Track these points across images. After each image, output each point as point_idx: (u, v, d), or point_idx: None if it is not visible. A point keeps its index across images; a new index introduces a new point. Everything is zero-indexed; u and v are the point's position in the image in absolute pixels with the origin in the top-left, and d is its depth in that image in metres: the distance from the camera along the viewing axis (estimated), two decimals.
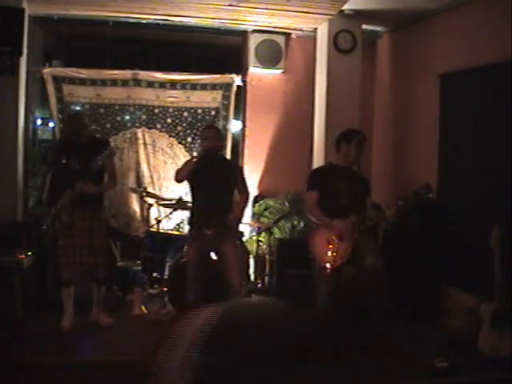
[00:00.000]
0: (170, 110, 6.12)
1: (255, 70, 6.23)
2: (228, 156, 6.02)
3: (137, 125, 6.06)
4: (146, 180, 6.04)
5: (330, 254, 4.01)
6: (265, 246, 5.71)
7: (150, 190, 5.79)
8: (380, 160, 6.04)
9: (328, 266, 4.06)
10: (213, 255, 4.65)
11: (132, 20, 5.90)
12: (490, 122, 4.57)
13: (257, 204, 6.09)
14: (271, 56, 6.18)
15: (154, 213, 5.67)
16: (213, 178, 4.30)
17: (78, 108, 5.95)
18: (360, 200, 4.19)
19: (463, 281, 4.73)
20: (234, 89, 6.22)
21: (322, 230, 4.10)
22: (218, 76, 6.20)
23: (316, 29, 6.15)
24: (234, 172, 4.50)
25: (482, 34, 4.69)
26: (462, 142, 4.93)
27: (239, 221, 4.56)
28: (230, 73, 6.25)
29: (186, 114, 6.15)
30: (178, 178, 4.46)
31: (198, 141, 6.13)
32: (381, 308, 4.07)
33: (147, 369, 1.08)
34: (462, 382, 3.62)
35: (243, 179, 4.54)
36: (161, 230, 5.41)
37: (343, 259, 4.01)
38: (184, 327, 1.10)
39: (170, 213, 5.55)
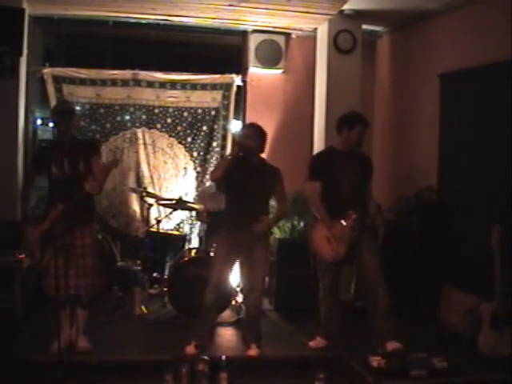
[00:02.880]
0: (170, 109, 6.12)
1: (255, 70, 6.24)
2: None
3: (137, 125, 6.06)
4: (146, 180, 6.04)
5: (329, 250, 4.03)
6: None
7: (150, 190, 5.79)
8: (380, 160, 6.04)
9: (328, 261, 4.09)
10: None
11: (132, 20, 5.90)
12: (490, 121, 4.57)
13: None
14: (271, 56, 6.19)
15: (154, 213, 5.67)
16: (247, 181, 4.01)
17: (78, 108, 5.93)
18: (362, 189, 4.16)
19: (463, 281, 4.73)
20: (234, 89, 6.23)
21: (323, 226, 4.10)
22: (218, 76, 6.21)
23: (316, 29, 6.16)
24: (272, 178, 4.14)
25: (482, 33, 4.69)
26: (461, 141, 4.93)
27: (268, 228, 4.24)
28: (230, 73, 6.25)
29: (185, 114, 6.15)
30: (213, 176, 4.18)
31: (198, 141, 6.17)
32: None
33: None
34: (461, 381, 3.63)
35: (282, 188, 4.18)
36: (161, 230, 5.41)
37: (342, 255, 4.02)
38: None
39: (170, 213, 5.55)
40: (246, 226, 4.00)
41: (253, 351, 4.04)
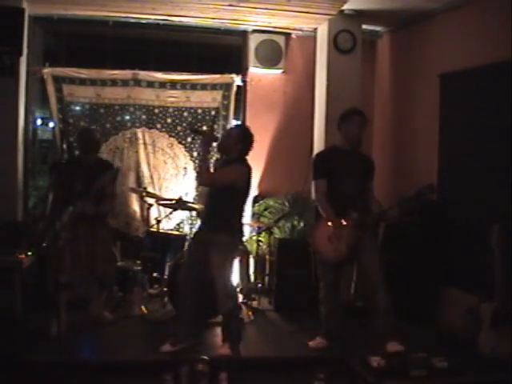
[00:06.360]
0: (170, 109, 6.13)
1: (255, 70, 6.24)
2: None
3: (137, 125, 6.06)
4: (146, 180, 6.05)
5: (331, 249, 4.02)
6: (265, 246, 5.71)
7: (150, 190, 5.79)
8: (380, 159, 6.03)
9: (329, 261, 4.09)
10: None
11: (132, 20, 5.90)
12: (490, 121, 4.57)
13: (257, 204, 6.10)
14: (271, 56, 6.19)
15: (154, 213, 5.67)
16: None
17: (77, 108, 5.95)
18: (363, 189, 4.17)
19: (463, 281, 4.73)
20: (234, 89, 6.23)
21: (325, 224, 4.09)
22: (218, 76, 6.21)
23: (316, 29, 6.16)
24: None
25: (482, 34, 4.69)
26: (461, 141, 4.93)
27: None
28: (230, 73, 6.25)
29: (185, 113, 6.15)
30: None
31: (198, 141, 6.16)
32: None
33: None
34: (462, 382, 3.63)
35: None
36: (161, 230, 5.41)
37: (344, 254, 4.01)
38: None
39: (170, 213, 5.55)
40: (205, 228, 4.15)
41: (223, 350, 4.02)
